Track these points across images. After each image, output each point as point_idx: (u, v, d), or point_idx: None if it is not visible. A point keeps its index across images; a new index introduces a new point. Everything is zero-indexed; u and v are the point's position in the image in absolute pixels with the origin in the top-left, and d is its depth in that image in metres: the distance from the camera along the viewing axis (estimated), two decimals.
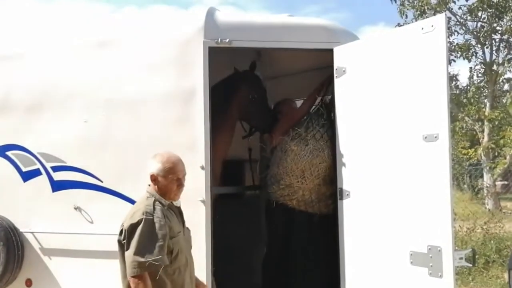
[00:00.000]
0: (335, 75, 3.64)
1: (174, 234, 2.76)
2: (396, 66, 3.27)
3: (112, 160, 3.83)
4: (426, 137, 3.05)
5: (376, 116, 3.39)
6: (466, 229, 9.26)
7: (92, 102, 3.91)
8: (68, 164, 3.94)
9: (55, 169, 3.99)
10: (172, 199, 2.86)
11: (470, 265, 3.13)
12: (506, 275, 7.29)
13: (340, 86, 3.62)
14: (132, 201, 3.70)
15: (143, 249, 2.62)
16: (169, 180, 2.80)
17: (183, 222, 2.96)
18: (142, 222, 2.65)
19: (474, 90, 17.74)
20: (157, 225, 2.65)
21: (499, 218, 9.74)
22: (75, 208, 3.89)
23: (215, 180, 3.92)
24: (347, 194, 3.55)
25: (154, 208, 2.71)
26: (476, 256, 7.91)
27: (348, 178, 3.56)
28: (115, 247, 3.72)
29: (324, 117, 4.13)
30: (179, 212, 2.95)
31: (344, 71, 3.58)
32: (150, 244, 2.62)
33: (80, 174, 3.89)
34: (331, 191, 3.96)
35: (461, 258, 2.99)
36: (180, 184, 2.84)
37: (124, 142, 3.80)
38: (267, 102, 4.40)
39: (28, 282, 4.05)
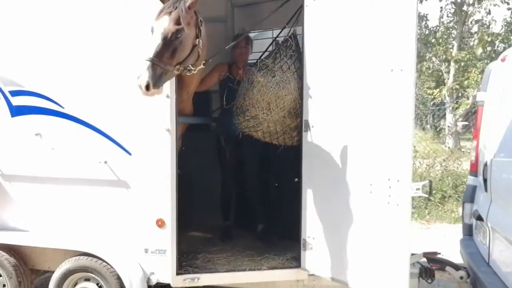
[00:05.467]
0: (305, 4, 3.55)
1: None
2: None
3: (73, 85, 3.71)
4: (392, 70, 3.05)
5: (344, 48, 3.35)
6: (425, 166, 9.58)
7: (53, 27, 3.74)
8: (27, 89, 3.81)
9: (14, 93, 3.86)
10: None
11: (426, 196, 3.24)
12: (460, 209, 7.65)
13: (309, 16, 3.54)
14: (94, 128, 3.65)
15: None
16: None
17: None
18: None
19: (443, 30, 17.80)
20: None
21: (458, 156, 10.09)
22: (36, 134, 3.80)
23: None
24: (312, 126, 3.56)
25: None
26: (434, 191, 8.25)
27: (313, 111, 3.56)
28: (76, 173, 3.72)
29: (292, 48, 4.07)
30: None
31: (314, 0, 3.49)
32: None
33: (40, 100, 3.77)
34: (295, 123, 3.98)
35: (418, 189, 3.08)
36: None
37: (86, 67, 3.68)
38: None
39: None
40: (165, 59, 3.01)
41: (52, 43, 3.74)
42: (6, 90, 3.88)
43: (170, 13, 3.08)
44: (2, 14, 3.88)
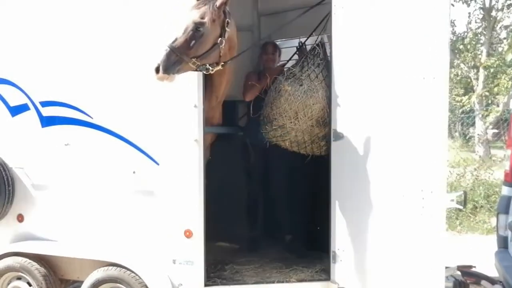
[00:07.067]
0: (333, 12, 3.51)
1: None
2: (397, 2, 3.17)
3: (101, 95, 3.75)
4: (424, 78, 2.99)
5: (373, 56, 3.31)
6: (456, 175, 9.37)
7: (82, 37, 3.78)
8: (57, 99, 3.86)
9: (44, 104, 3.91)
10: None
11: (461, 207, 3.16)
12: (492, 220, 7.45)
13: (337, 23, 3.49)
14: (122, 138, 3.67)
15: None
16: None
17: None
18: None
19: (471, 36, 17.50)
20: None
21: (489, 165, 9.84)
22: (65, 145, 3.84)
23: None
24: (341, 136, 3.50)
25: None
26: None
27: (342, 120, 3.50)
28: (104, 183, 3.74)
29: (320, 56, 4.03)
30: None
31: (342, 7, 3.44)
32: None
33: (70, 110, 3.81)
34: (324, 132, 3.92)
35: (452, 200, 3.01)
36: None
37: (114, 78, 3.70)
38: None
39: (20, 217, 4.06)
40: (182, 49, 3.10)
41: (81, 54, 3.78)
42: (36, 100, 3.93)
43: (199, 8, 3.21)
44: (32, 26, 3.94)
